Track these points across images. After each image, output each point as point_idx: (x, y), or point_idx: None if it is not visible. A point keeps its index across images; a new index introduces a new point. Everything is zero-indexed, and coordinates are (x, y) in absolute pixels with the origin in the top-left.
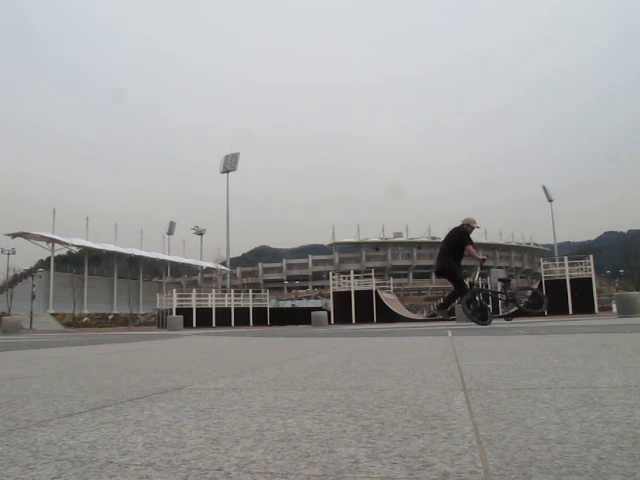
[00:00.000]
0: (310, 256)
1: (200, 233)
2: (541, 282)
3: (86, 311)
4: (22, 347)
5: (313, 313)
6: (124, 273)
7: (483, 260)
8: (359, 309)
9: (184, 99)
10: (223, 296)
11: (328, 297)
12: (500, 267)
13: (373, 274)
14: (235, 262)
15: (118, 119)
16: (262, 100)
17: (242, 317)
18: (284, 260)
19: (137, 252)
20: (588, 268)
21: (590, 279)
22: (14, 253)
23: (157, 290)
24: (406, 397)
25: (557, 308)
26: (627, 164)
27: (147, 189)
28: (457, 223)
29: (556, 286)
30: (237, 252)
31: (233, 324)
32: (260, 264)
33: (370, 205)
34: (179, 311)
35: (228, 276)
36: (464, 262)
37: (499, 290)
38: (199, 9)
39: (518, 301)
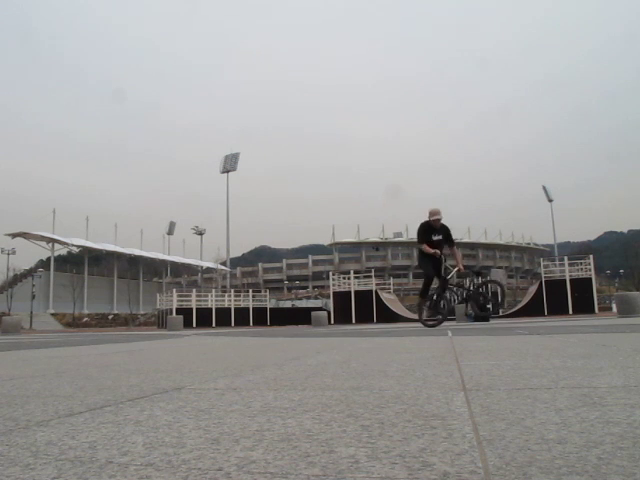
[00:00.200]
0: (310, 256)
1: (200, 233)
2: (541, 282)
3: (86, 311)
4: (22, 347)
5: (313, 313)
6: (124, 273)
7: (434, 253)
8: (359, 309)
9: (184, 99)
10: (223, 296)
11: (328, 297)
12: (500, 267)
13: (373, 274)
14: (235, 262)
15: (118, 119)
16: (262, 100)
17: (242, 317)
18: (284, 260)
19: (137, 252)
20: (588, 268)
21: (590, 279)
22: (14, 253)
23: (157, 290)
24: (406, 397)
25: (557, 308)
26: (627, 164)
27: (147, 189)
28: (457, 223)
29: (556, 286)
30: (237, 252)
31: (233, 324)
32: (260, 264)
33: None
34: (179, 311)
35: (228, 276)
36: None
37: (466, 286)
38: (199, 9)
39: (475, 301)
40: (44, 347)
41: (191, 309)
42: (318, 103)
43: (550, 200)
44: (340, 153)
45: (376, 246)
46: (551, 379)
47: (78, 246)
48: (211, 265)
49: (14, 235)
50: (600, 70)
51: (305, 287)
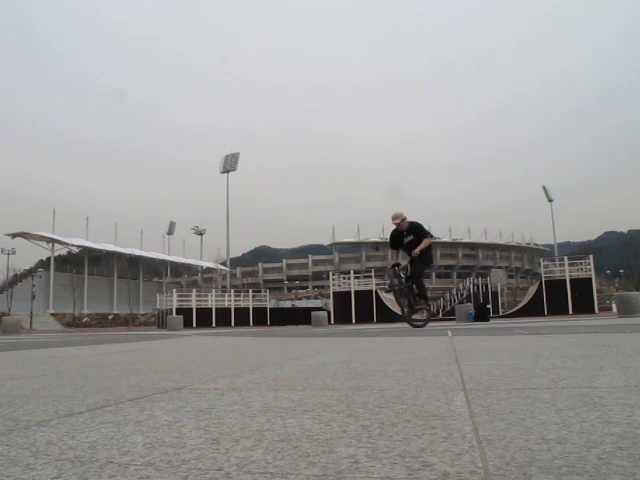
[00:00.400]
0: (310, 256)
1: (200, 233)
2: (541, 282)
3: (86, 311)
4: (22, 347)
5: (313, 313)
6: (124, 273)
7: (393, 265)
8: (359, 309)
9: (184, 99)
10: (223, 296)
11: (328, 297)
12: (500, 267)
13: (373, 274)
14: (235, 262)
15: (118, 119)
16: (262, 100)
17: (242, 317)
18: (284, 260)
19: (137, 252)
20: (588, 268)
21: (590, 279)
22: (14, 253)
23: (157, 290)
24: (406, 397)
25: (557, 308)
26: (627, 164)
27: (147, 189)
28: (456, 223)
29: (556, 286)
30: (237, 252)
31: (233, 324)
32: (260, 264)
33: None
34: (179, 311)
35: (228, 276)
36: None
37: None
38: (199, 9)
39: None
40: (44, 347)
41: (191, 309)
42: (318, 103)
43: (550, 200)
44: (340, 153)
45: (376, 246)
46: (551, 379)
47: (78, 246)
48: (211, 265)
49: (14, 235)
50: (600, 70)
51: (305, 287)
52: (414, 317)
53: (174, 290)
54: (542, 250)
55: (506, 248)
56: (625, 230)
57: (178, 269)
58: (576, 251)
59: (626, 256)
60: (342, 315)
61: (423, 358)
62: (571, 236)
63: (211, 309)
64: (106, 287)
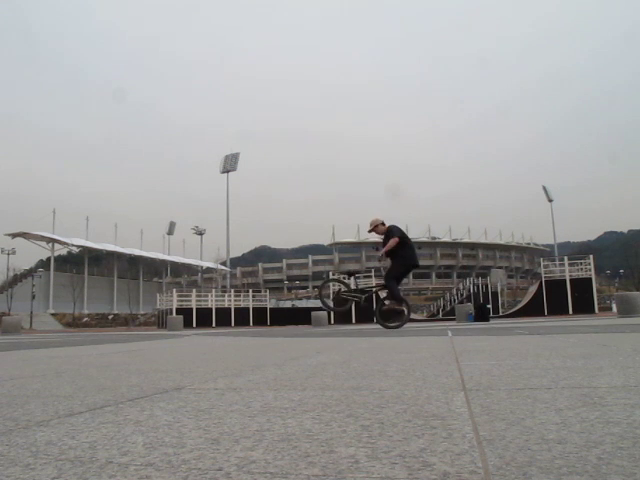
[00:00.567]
0: (310, 256)
1: (200, 233)
2: (541, 282)
3: (86, 311)
4: (22, 347)
5: (313, 313)
6: (124, 273)
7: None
8: (359, 309)
9: (184, 99)
10: (223, 296)
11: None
12: (500, 267)
13: (373, 274)
14: (235, 262)
15: (118, 119)
16: (262, 100)
17: (242, 317)
18: (284, 260)
19: (137, 252)
20: (588, 268)
21: (590, 279)
22: (14, 253)
23: (157, 290)
24: (406, 397)
25: (557, 308)
26: (627, 164)
27: (147, 189)
28: (456, 223)
29: (556, 286)
30: (237, 252)
31: (233, 324)
32: (260, 264)
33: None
34: (179, 311)
35: (228, 276)
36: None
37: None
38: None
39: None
40: (44, 347)
41: (191, 309)
42: (318, 103)
43: (550, 200)
44: (340, 153)
45: (376, 246)
46: (551, 379)
47: (78, 246)
48: (211, 265)
49: (14, 235)
50: (600, 70)
51: (305, 287)
52: (385, 320)
53: (174, 290)
54: (542, 250)
55: (506, 248)
56: (625, 230)
57: (178, 269)
58: (576, 251)
59: (626, 256)
60: (342, 315)
61: (423, 358)
62: (571, 236)
63: (211, 309)
64: (106, 287)
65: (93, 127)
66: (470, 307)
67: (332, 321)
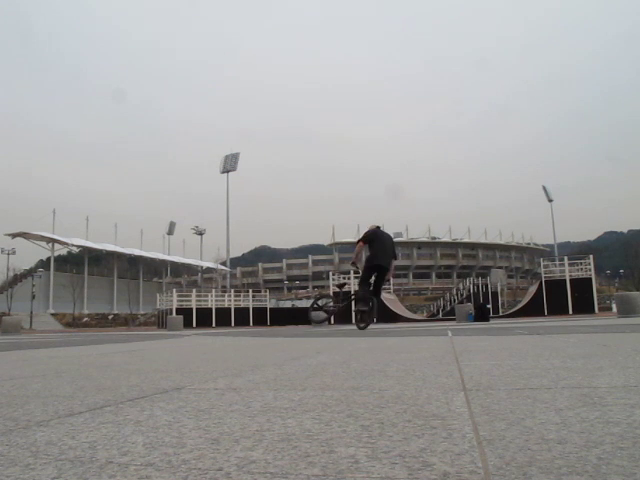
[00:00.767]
0: (310, 256)
1: (200, 233)
2: (541, 282)
3: (86, 311)
4: (22, 347)
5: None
6: (124, 273)
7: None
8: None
9: (184, 99)
10: (223, 296)
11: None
12: (500, 267)
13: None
14: (235, 262)
15: (118, 119)
16: (262, 100)
17: (242, 317)
18: (284, 260)
19: (137, 252)
20: (588, 268)
21: (590, 279)
22: (14, 253)
23: (157, 290)
24: (406, 397)
25: (557, 308)
26: (627, 164)
27: (147, 189)
28: (456, 223)
29: (556, 286)
30: (237, 252)
31: (233, 324)
32: (260, 264)
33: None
34: (179, 311)
35: (228, 276)
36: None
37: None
38: (199, 9)
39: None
40: (44, 347)
41: (191, 309)
42: (318, 103)
43: (550, 200)
44: (340, 153)
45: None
46: (551, 379)
47: (78, 246)
48: (211, 265)
49: (14, 235)
50: (600, 70)
51: (305, 287)
52: (358, 321)
53: (174, 290)
54: (542, 250)
55: (506, 248)
56: (625, 230)
57: (178, 269)
58: (576, 251)
59: (626, 256)
60: (342, 315)
61: (423, 358)
62: (571, 236)
63: (211, 309)
64: (106, 287)
65: (93, 127)
66: (470, 307)
67: (332, 321)
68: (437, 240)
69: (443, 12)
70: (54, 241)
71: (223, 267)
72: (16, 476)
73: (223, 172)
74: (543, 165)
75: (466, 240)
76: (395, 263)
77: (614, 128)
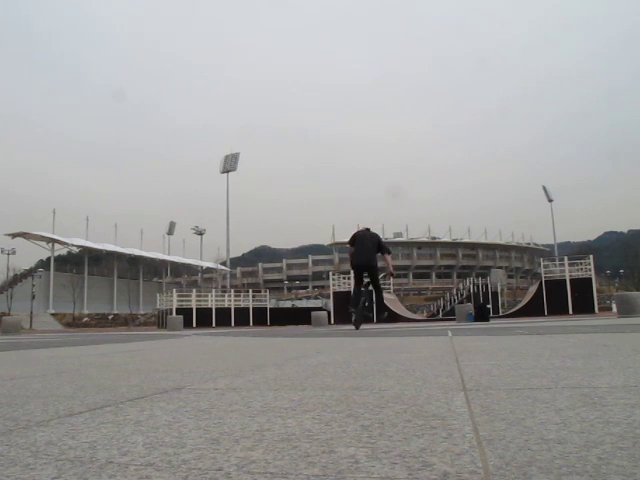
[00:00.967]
0: (310, 256)
1: (200, 233)
2: (541, 282)
3: (86, 311)
4: (22, 347)
5: (313, 313)
6: (124, 273)
7: (392, 275)
8: None
9: (184, 99)
10: (223, 296)
11: (328, 297)
12: (500, 267)
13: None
14: (235, 262)
15: (118, 119)
16: (262, 100)
17: (242, 317)
18: (284, 260)
19: (137, 252)
20: (588, 268)
21: (590, 279)
22: (14, 253)
23: (157, 290)
24: (406, 397)
25: (557, 308)
26: (627, 164)
27: (147, 189)
28: (456, 223)
29: (556, 286)
30: (237, 252)
31: (233, 324)
32: (260, 264)
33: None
34: (179, 311)
35: (228, 276)
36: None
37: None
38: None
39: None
40: (44, 347)
41: (191, 309)
42: (318, 103)
43: (550, 200)
44: (340, 153)
45: None
46: (551, 379)
47: (78, 246)
48: (211, 265)
49: (14, 235)
50: (600, 70)
51: (305, 287)
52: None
53: (174, 290)
54: (542, 250)
55: (506, 248)
56: (625, 230)
57: (178, 269)
58: (576, 251)
59: (626, 256)
60: (342, 315)
61: (423, 358)
62: (571, 236)
63: (211, 309)
64: (106, 287)
65: (93, 127)
66: (470, 307)
67: (332, 321)
68: (437, 240)
69: (443, 12)
70: (54, 241)
71: (223, 267)
72: (16, 476)
73: (223, 172)
74: (543, 165)
75: (466, 240)
76: (395, 263)
77: (614, 128)
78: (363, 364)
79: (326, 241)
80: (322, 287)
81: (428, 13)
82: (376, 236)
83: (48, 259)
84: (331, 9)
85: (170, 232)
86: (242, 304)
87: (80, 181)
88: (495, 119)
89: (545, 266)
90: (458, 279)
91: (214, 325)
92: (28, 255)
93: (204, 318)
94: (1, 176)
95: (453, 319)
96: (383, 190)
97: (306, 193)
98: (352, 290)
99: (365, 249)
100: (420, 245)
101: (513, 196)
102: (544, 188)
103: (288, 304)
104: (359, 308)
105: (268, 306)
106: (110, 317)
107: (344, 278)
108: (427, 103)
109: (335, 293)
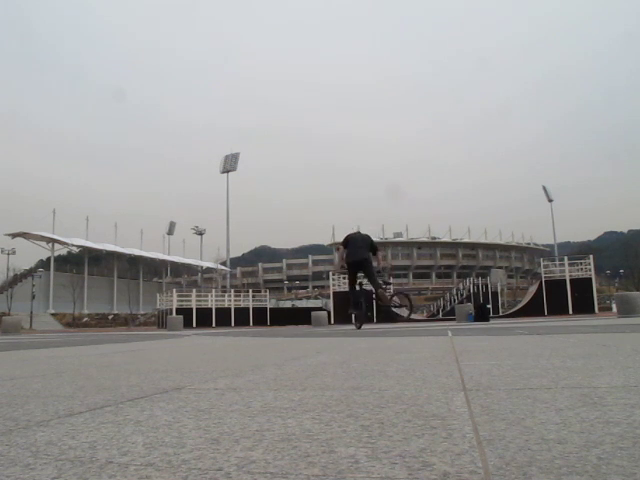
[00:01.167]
0: (310, 256)
1: (200, 233)
2: (541, 282)
3: (86, 311)
4: (22, 347)
5: (313, 313)
6: (124, 273)
7: (383, 268)
8: None
9: (184, 99)
10: (223, 296)
11: (328, 297)
12: (500, 267)
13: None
14: (235, 262)
15: (118, 119)
16: (262, 100)
17: (242, 317)
18: (284, 260)
19: (137, 252)
20: (588, 268)
21: (590, 279)
22: (14, 253)
23: (157, 290)
24: (406, 397)
25: (557, 308)
26: (627, 164)
27: (147, 189)
28: (456, 223)
29: (556, 286)
30: (237, 252)
31: (233, 324)
32: (260, 264)
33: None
34: (179, 311)
35: (228, 276)
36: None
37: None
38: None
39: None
40: (44, 347)
41: (191, 309)
42: (318, 103)
43: (550, 200)
44: (340, 153)
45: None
46: (551, 379)
47: (78, 246)
48: (211, 265)
49: (14, 235)
50: (600, 70)
51: (305, 287)
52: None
53: (174, 290)
54: (542, 250)
55: (506, 248)
56: (625, 230)
57: (178, 269)
58: (576, 251)
59: (626, 256)
60: (342, 315)
61: (423, 358)
62: (571, 236)
63: (211, 309)
64: (106, 287)
65: (93, 127)
66: (470, 307)
67: (332, 321)
68: (437, 240)
69: (443, 12)
70: (54, 241)
71: (223, 267)
72: (16, 476)
73: (223, 172)
74: (543, 165)
75: (466, 240)
76: (395, 263)
77: (614, 128)
78: (363, 364)
79: (326, 241)
80: (322, 287)
81: (428, 13)
82: (368, 236)
83: (48, 259)
84: (331, 9)
85: (170, 232)
86: (242, 304)
87: (80, 181)
88: (495, 119)
89: (545, 266)
90: (458, 279)
91: (214, 325)
92: (28, 255)
93: (204, 318)
94: (1, 176)
95: (453, 319)
96: (383, 190)
97: (306, 193)
98: (349, 291)
99: (358, 247)
100: (420, 245)
101: (513, 196)
102: (544, 188)
103: (288, 304)
104: (362, 307)
105: (268, 306)
106: (110, 317)
107: (344, 278)
108: (427, 103)
109: (335, 293)
